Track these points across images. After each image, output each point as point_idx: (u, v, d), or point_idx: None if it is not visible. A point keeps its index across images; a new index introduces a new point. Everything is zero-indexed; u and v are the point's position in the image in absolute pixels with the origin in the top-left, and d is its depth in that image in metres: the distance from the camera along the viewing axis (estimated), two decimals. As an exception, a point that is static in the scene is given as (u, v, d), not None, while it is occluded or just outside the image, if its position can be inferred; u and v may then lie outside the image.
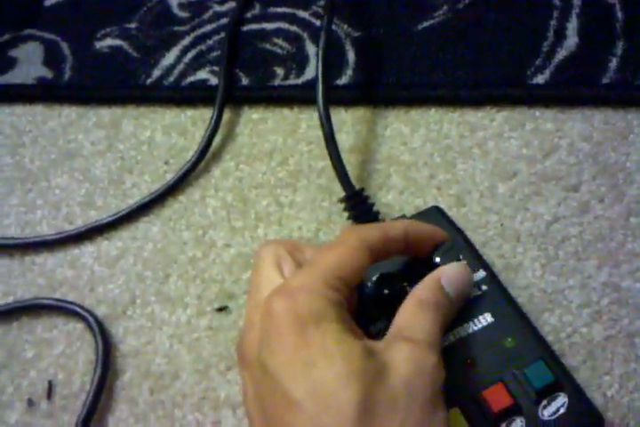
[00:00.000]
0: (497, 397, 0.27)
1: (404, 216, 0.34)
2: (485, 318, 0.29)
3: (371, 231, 0.28)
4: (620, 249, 0.33)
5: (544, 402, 0.27)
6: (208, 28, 0.48)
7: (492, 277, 0.31)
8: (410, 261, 0.31)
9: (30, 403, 0.33)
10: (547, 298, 0.32)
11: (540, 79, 0.40)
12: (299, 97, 0.43)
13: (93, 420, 0.32)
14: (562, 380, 0.27)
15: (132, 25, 0.49)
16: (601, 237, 0.33)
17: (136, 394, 0.33)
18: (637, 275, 0.32)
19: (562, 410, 0.27)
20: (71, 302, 0.36)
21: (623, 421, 0.29)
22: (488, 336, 0.29)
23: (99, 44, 0.48)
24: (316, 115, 0.37)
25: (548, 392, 0.27)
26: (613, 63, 0.40)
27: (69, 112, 0.45)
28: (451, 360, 0.28)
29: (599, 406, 0.29)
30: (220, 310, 0.35)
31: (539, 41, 0.42)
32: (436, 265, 0.30)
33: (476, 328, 0.29)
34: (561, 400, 0.27)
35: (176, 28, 0.48)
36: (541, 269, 0.33)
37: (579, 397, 0.27)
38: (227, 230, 0.38)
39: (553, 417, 0.27)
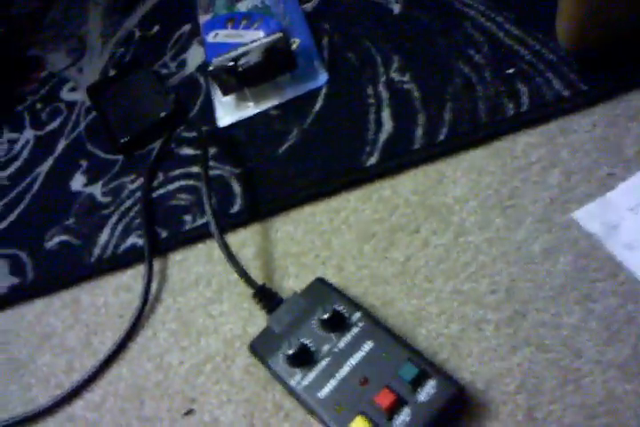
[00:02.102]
0: (384, 397, 0.35)
1: (295, 293, 0.43)
2: (367, 345, 0.38)
3: None
4: (457, 263, 0.42)
5: (418, 389, 0.35)
6: (127, 203, 0.60)
7: (365, 314, 0.39)
8: None
9: None
10: (414, 317, 0.41)
11: (372, 160, 0.51)
12: (207, 233, 0.54)
13: None
14: (426, 369, 0.35)
15: (70, 220, 0.61)
16: (441, 260, 0.42)
17: None
18: (472, 277, 0.41)
19: (432, 390, 0.34)
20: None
21: (487, 386, 0.36)
22: (371, 357, 0.37)
23: (49, 244, 0.60)
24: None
25: (419, 381, 0.35)
26: (419, 131, 0.51)
27: (38, 304, 0.55)
28: (349, 384, 0.36)
29: (469, 380, 0.36)
30: (188, 413, 0.43)
31: (364, 133, 0.53)
32: None
33: (362, 355, 0.37)
34: (430, 384, 0.35)
35: (103, 212, 0.60)
36: (406, 298, 0.42)
37: (441, 377, 0.35)
38: (177, 351, 0.47)
39: (428, 398, 0.34)
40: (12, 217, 0.65)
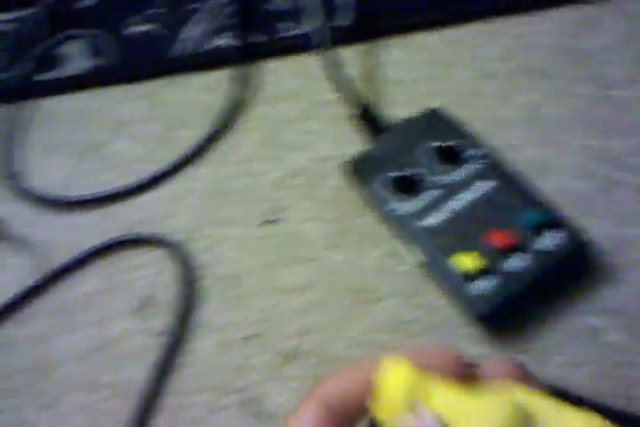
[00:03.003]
0: (500, 238, 0.33)
1: (407, 119, 0.41)
2: (486, 185, 0.36)
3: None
4: (598, 118, 0.39)
5: (539, 237, 0.33)
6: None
7: (487, 152, 0.37)
8: None
9: (133, 312, 0.41)
10: (538, 167, 0.38)
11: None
12: (306, 44, 0.49)
13: (187, 316, 0.40)
14: (552, 218, 0.34)
15: (156, 10, 0.56)
16: (576, 112, 0.40)
17: (213, 294, 0.41)
18: (616, 136, 0.38)
19: (554, 242, 0.33)
20: (151, 234, 0.44)
21: (610, 250, 0.35)
22: (489, 197, 0.35)
23: (131, 30, 0.56)
24: (324, 56, 0.43)
25: (541, 229, 0.33)
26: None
27: (115, 91, 0.53)
28: (460, 219, 0.35)
29: (594, 242, 0.35)
30: (271, 222, 0.42)
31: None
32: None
33: (478, 193, 0.36)
34: (553, 234, 0.33)
35: (193, 5, 0.55)
36: (530, 146, 0.39)
37: (567, 230, 0.33)
38: (263, 161, 0.45)
39: (547, 248, 0.33)
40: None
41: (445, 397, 0.20)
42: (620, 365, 0.32)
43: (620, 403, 0.31)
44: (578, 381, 0.32)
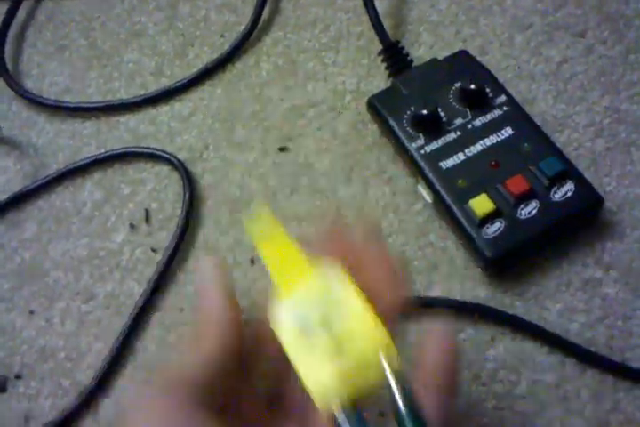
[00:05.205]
0: (516, 184, 0.33)
1: (435, 59, 0.40)
2: (507, 131, 0.36)
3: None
4: (621, 80, 0.39)
5: (555, 188, 0.33)
6: None
7: (511, 100, 0.37)
8: None
9: (132, 226, 0.41)
10: (557, 122, 0.38)
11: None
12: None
13: (187, 235, 0.39)
14: (570, 170, 0.34)
15: None
16: (603, 72, 0.39)
17: (218, 215, 0.40)
18: (635, 99, 0.38)
19: (569, 193, 0.33)
20: (157, 149, 0.42)
21: (620, 208, 0.35)
22: (509, 144, 0.35)
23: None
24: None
25: (558, 180, 0.34)
26: None
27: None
28: (478, 163, 0.35)
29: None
30: (282, 149, 0.42)
31: None
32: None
33: (498, 139, 0.36)
34: (569, 186, 0.34)
35: None
36: (553, 100, 0.39)
37: (583, 183, 0.34)
38: (280, 88, 0.44)
39: (562, 199, 0.33)
40: None
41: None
42: (613, 317, 0.33)
43: (603, 351, 0.33)
44: (573, 328, 0.33)
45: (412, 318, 0.34)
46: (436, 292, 0.35)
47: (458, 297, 0.35)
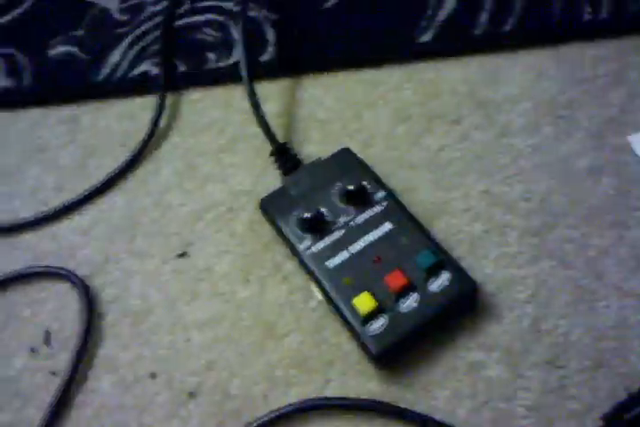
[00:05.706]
0: (395, 279, 0.34)
1: (319, 159, 0.41)
2: (386, 226, 0.37)
3: None
4: (494, 164, 0.40)
5: (432, 279, 0.34)
6: (146, 26, 0.55)
7: (390, 195, 0.38)
8: None
9: (33, 350, 0.40)
10: (437, 209, 0.40)
11: (425, 38, 0.47)
12: (229, 76, 0.50)
13: (86, 355, 0.39)
14: (444, 261, 0.35)
15: (79, 32, 0.56)
16: (478, 157, 0.41)
17: (118, 330, 0.40)
18: (506, 181, 0.40)
19: (446, 283, 0.34)
20: (55, 267, 0.42)
21: (498, 290, 0.36)
22: (388, 239, 0.36)
23: (52, 52, 0.55)
24: (245, 89, 0.43)
25: (434, 271, 0.34)
26: (484, 17, 0.47)
27: (33, 114, 0.52)
28: (362, 259, 0.35)
29: (480, 281, 0.36)
30: (182, 255, 0.42)
31: (424, 5, 0.49)
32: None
33: (379, 234, 0.36)
34: (445, 276, 0.34)
35: (118, 30, 0.55)
36: (432, 188, 0.40)
37: (458, 272, 0.35)
38: (179, 192, 0.45)
39: (439, 289, 0.34)
40: (14, 13, 0.59)
41: None
42: (496, 399, 0.33)
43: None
44: (461, 414, 0.33)
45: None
46: (330, 391, 0.35)
47: (352, 394, 0.35)
